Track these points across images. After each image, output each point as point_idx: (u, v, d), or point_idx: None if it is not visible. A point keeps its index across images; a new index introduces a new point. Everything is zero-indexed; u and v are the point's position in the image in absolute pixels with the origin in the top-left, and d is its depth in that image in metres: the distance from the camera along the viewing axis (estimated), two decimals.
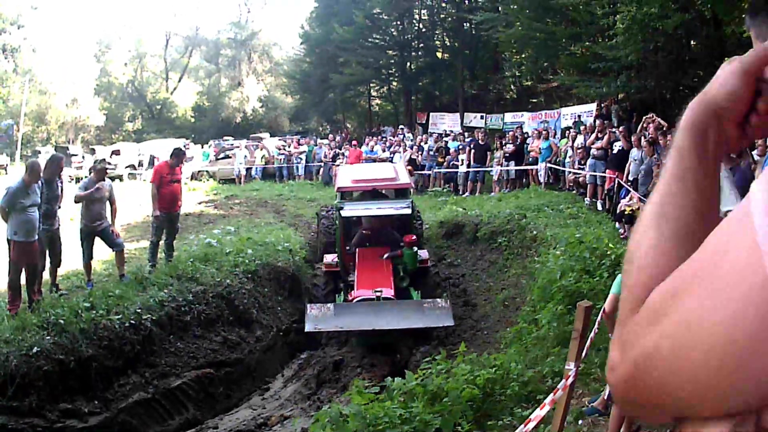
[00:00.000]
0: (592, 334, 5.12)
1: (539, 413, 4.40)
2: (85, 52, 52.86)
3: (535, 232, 13.84)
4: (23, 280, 9.93)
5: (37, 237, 9.88)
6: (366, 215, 13.26)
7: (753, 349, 0.59)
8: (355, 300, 11.53)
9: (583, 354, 4.69)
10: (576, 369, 4.56)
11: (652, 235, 0.86)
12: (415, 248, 12.55)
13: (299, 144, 32.98)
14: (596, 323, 5.47)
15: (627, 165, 14.25)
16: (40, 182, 10.01)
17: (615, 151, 15.76)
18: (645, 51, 18.50)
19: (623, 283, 0.88)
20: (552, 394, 4.57)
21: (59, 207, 10.86)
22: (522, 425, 4.34)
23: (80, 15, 66.24)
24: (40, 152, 32.66)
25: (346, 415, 6.02)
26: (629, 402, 0.82)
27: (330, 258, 13.29)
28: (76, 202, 11.18)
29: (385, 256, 12.47)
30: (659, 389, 0.71)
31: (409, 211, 12.75)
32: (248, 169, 31.63)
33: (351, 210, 12.86)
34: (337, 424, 5.91)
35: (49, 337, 8.54)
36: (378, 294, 11.26)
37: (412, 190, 15.01)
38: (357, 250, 12.93)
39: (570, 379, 4.55)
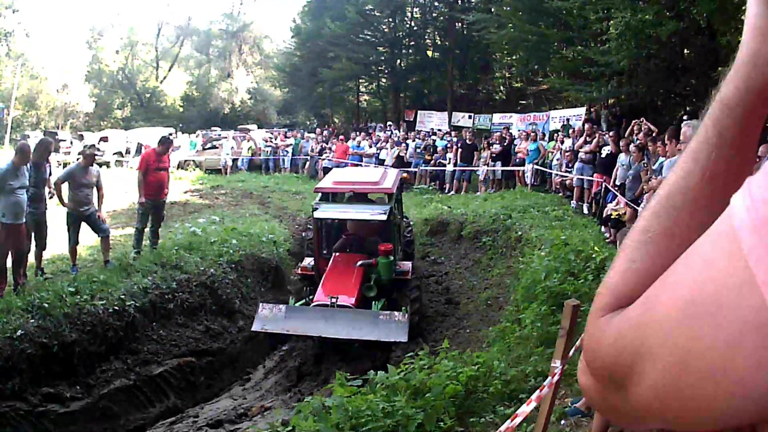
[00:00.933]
0: (579, 341, 5.08)
1: (525, 409, 4.43)
2: (77, 38, 53.09)
3: (520, 233, 13.88)
4: (9, 263, 9.91)
5: (24, 219, 9.85)
6: (338, 218, 12.89)
7: (750, 376, 0.58)
8: (312, 305, 11.10)
9: (570, 354, 4.71)
10: (562, 367, 4.59)
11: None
12: (392, 258, 11.90)
13: (286, 137, 33.04)
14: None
15: (615, 169, 14.32)
16: (28, 165, 9.99)
17: (603, 155, 15.83)
18: (637, 57, 18.57)
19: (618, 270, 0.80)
20: (538, 391, 4.60)
21: (49, 193, 10.86)
22: (509, 420, 4.37)
23: (74, 1, 66.12)
24: (29, 136, 32.44)
25: (329, 406, 6.03)
26: (607, 411, 0.80)
27: (307, 261, 12.83)
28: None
29: (358, 263, 11.76)
30: (645, 406, 0.70)
31: (384, 217, 11.77)
32: (234, 160, 31.59)
33: (324, 212, 12.27)
34: (319, 415, 5.91)
35: (33, 321, 8.53)
36: (333, 301, 10.77)
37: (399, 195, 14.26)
38: (334, 254, 12.41)
39: (556, 377, 4.58)
